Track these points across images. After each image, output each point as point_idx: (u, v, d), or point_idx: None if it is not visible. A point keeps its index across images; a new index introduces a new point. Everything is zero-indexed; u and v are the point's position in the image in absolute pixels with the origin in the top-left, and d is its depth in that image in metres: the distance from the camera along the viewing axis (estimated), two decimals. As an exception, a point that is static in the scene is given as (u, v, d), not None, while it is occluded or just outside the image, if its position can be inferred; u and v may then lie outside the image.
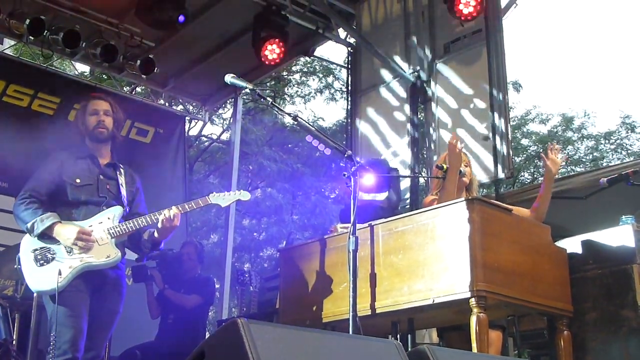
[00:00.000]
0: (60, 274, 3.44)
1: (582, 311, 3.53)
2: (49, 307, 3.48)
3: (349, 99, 8.03)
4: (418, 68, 7.10)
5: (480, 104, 6.50)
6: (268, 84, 16.64)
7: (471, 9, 6.15)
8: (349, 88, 8.12)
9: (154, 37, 7.61)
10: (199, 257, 6.19)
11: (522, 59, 38.41)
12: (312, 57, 10.01)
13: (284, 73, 16.98)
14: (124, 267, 3.84)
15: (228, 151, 11.44)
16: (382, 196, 5.89)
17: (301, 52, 8.49)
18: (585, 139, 19.80)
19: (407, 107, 7.14)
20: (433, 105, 6.99)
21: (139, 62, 7.56)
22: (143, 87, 9.82)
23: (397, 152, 7.13)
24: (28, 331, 4.62)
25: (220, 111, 16.57)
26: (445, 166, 3.94)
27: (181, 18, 6.42)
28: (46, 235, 3.56)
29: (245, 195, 3.94)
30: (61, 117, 7.58)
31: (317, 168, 16.38)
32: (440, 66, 7.01)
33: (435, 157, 6.59)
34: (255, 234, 17.35)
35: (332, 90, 17.71)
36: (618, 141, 19.62)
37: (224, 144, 16.65)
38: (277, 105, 3.86)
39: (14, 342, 4.87)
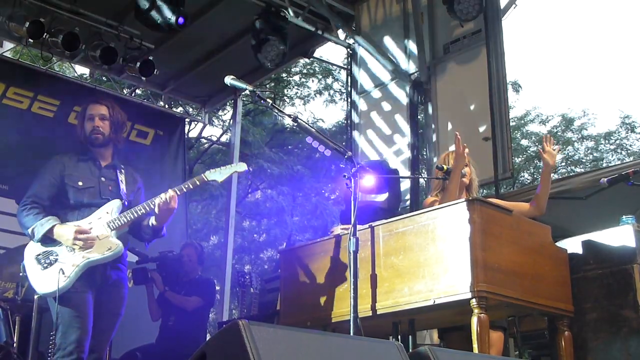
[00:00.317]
0: (63, 273, 3.46)
1: (582, 311, 3.53)
2: (55, 309, 3.49)
3: (349, 100, 8.04)
4: (418, 69, 7.11)
5: (480, 104, 6.50)
6: (268, 85, 16.65)
7: (470, 9, 6.15)
8: (349, 89, 8.12)
9: (153, 39, 7.61)
10: (200, 258, 6.19)
11: (522, 60, 38.44)
12: (311, 59, 9.99)
13: (284, 74, 16.98)
14: (126, 269, 3.85)
15: (228, 153, 11.45)
16: (382, 197, 5.88)
17: (301, 54, 8.49)
18: (585, 140, 19.80)
19: (406, 108, 7.14)
20: (433, 106, 7.00)
21: (138, 64, 7.56)
22: (143, 89, 9.82)
23: (397, 153, 7.13)
24: (29, 333, 4.62)
25: (220, 113, 16.56)
26: (445, 167, 3.95)
27: (181, 20, 6.42)
28: (47, 239, 3.58)
29: (241, 167, 3.89)
30: (61, 119, 7.58)
31: (317, 169, 16.36)
32: (440, 67, 7.01)
33: (435, 158, 6.59)
34: (255, 235, 17.34)
35: (332, 92, 17.71)
36: (618, 141, 19.62)
37: (223, 145, 16.63)
38: (276, 106, 3.85)
39: (14, 345, 4.87)
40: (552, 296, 3.42)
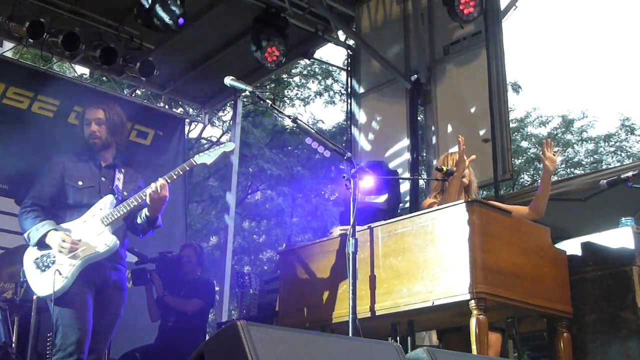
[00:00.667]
0: (60, 273, 3.47)
1: (581, 313, 3.53)
2: (55, 310, 3.50)
3: (349, 101, 8.04)
4: (417, 70, 7.11)
5: (480, 105, 6.50)
6: (268, 86, 16.65)
7: (471, 9, 6.15)
8: (349, 90, 8.12)
9: (153, 39, 7.61)
10: (199, 259, 6.18)
11: (522, 61, 38.46)
12: (311, 60, 10.00)
13: (284, 75, 16.99)
14: (125, 270, 3.85)
15: (228, 153, 11.42)
16: (381, 198, 5.89)
17: (301, 55, 8.50)
18: (584, 142, 19.80)
19: (406, 109, 7.14)
20: (432, 107, 7.00)
21: (138, 64, 7.57)
22: (143, 90, 9.83)
23: (397, 155, 7.13)
24: (28, 334, 4.63)
25: (220, 113, 16.57)
26: (445, 168, 3.95)
27: (181, 20, 6.42)
28: (43, 243, 3.59)
29: (229, 146, 3.89)
30: (61, 119, 7.58)
31: (317, 170, 16.36)
32: (440, 68, 7.01)
33: (434, 160, 6.59)
34: (255, 236, 17.33)
35: (332, 93, 17.71)
36: (617, 143, 19.62)
37: (224, 146, 16.60)
38: (276, 107, 3.85)
39: (13, 345, 4.87)
40: (551, 298, 3.42)
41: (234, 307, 10.60)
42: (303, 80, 17.88)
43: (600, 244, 3.59)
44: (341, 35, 8.18)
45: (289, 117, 3.63)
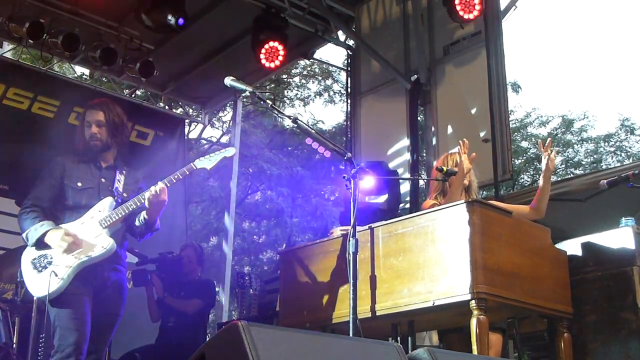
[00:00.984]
0: (56, 275, 3.47)
1: (582, 313, 3.53)
2: (53, 311, 3.50)
3: (349, 101, 8.04)
4: (417, 70, 7.11)
5: (480, 106, 6.50)
6: (268, 86, 16.65)
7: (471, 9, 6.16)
8: (349, 91, 8.12)
9: (153, 40, 7.61)
10: (199, 259, 6.19)
11: (522, 61, 38.44)
12: (311, 60, 10.01)
13: (284, 76, 16.99)
14: (125, 271, 3.85)
15: (228, 158, 11.41)
16: (381, 198, 5.89)
17: (300, 55, 8.50)
18: (584, 142, 19.80)
19: (406, 110, 7.13)
20: (432, 107, 7.00)
21: (138, 65, 7.56)
22: (143, 90, 9.82)
23: (397, 155, 7.13)
24: (28, 334, 4.62)
25: (220, 114, 16.57)
26: (445, 168, 3.94)
27: (181, 21, 6.42)
28: (41, 243, 3.59)
29: (230, 151, 3.87)
30: (61, 119, 7.58)
31: (317, 171, 16.35)
32: (440, 68, 7.01)
33: (434, 160, 6.59)
34: (255, 236, 17.32)
35: (332, 93, 17.72)
36: (617, 143, 19.62)
37: (223, 146, 16.64)
38: (276, 108, 3.85)
39: (14, 346, 4.88)
40: (552, 298, 3.42)
41: (234, 307, 10.59)
42: (303, 81, 17.89)
43: (600, 244, 3.60)
44: (341, 36, 8.18)
45: (289, 117, 3.63)
